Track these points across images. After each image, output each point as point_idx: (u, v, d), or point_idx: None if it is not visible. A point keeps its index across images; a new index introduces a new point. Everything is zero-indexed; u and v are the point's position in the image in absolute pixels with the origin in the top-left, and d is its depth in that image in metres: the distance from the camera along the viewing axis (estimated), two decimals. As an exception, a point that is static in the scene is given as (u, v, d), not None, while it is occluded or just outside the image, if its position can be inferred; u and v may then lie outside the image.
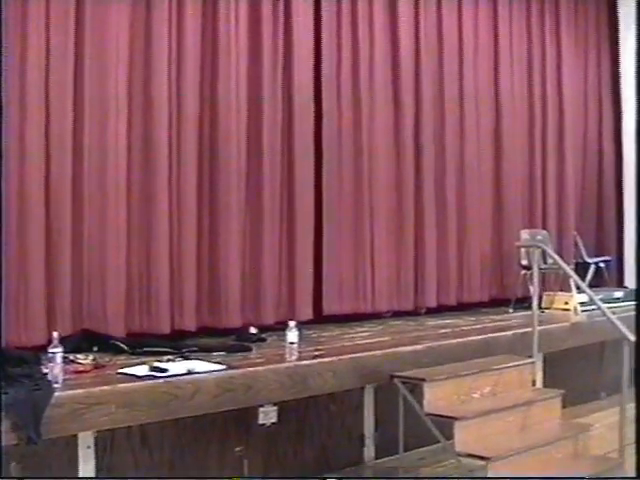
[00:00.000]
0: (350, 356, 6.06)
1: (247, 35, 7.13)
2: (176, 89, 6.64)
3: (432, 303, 8.39)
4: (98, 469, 4.98)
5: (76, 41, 6.09)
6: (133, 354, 5.79)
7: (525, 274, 8.54)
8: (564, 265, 7.19)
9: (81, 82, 6.12)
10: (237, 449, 5.63)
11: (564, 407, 6.56)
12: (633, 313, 8.71)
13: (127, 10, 6.39)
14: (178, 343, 6.10)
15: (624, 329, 6.29)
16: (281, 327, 6.53)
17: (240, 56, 7.05)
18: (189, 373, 5.15)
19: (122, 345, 5.92)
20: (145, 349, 5.84)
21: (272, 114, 7.24)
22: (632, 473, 6.18)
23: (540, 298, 7.81)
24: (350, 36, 7.92)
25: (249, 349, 6.15)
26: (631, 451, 6.30)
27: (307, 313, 7.33)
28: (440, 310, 8.48)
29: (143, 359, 5.48)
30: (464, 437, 5.54)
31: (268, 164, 7.18)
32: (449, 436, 5.57)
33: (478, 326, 7.73)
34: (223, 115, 6.92)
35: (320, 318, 7.44)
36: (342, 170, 7.78)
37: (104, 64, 6.24)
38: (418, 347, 6.61)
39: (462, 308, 8.68)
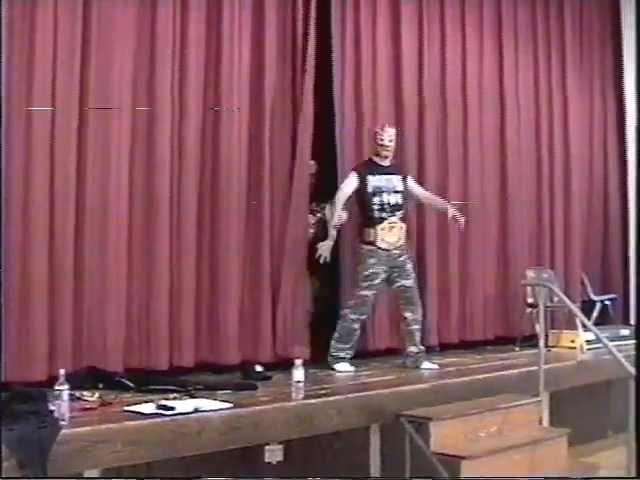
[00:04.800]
0: (356, 395, 6.05)
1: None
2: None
3: (434, 341, 8.33)
4: (104, 507, 4.96)
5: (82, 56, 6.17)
6: (139, 392, 5.78)
7: (531, 312, 8.52)
8: (570, 303, 7.19)
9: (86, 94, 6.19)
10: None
11: (570, 446, 6.53)
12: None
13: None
14: (184, 381, 6.08)
15: (630, 367, 6.28)
16: (283, 365, 6.56)
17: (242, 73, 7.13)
18: (196, 411, 5.14)
19: (128, 382, 5.92)
20: (151, 387, 5.82)
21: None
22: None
23: (546, 336, 7.80)
24: (353, 68, 7.98)
25: (255, 387, 6.14)
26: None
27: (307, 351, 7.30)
28: (444, 348, 8.43)
29: (149, 397, 5.48)
30: (470, 476, 5.52)
31: (268, 206, 7.20)
32: (456, 475, 5.55)
33: (484, 364, 7.71)
34: (225, 157, 6.96)
35: (321, 356, 7.39)
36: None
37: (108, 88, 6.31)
38: (424, 386, 6.61)
39: (466, 346, 8.65)
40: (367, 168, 7.30)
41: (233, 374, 6.65)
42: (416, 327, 7.29)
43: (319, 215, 7.70)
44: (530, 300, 8.51)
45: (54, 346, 5.88)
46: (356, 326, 7.19)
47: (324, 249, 7.29)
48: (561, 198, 10.02)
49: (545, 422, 7.09)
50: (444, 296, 8.52)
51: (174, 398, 5.43)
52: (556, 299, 7.48)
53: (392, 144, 7.32)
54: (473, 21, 9.14)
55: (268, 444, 5.64)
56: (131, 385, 5.89)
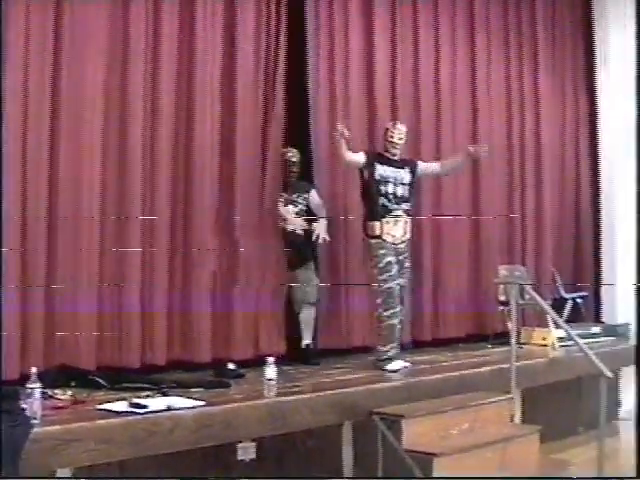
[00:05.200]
0: (328, 392, 6.06)
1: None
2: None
3: (406, 338, 8.32)
4: (76, 505, 4.95)
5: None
6: (111, 390, 5.77)
7: (503, 310, 8.56)
8: (542, 301, 7.22)
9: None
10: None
11: (542, 443, 6.57)
12: (610, 349, 8.83)
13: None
14: (157, 379, 6.08)
15: (601, 364, 6.33)
16: (256, 362, 6.57)
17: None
18: (168, 409, 5.13)
19: (100, 380, 5.90)
20: (124, 385, 5.81)
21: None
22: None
23: (518, 334, 7.83)
24: (326, 70, 8.02)
25: (228, 385, 6.13)
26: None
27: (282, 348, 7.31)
28: (417, 345, 8.46)
29: (122, 395, 5.47)
30: (443, 473, 5.55)
31: (239, 201, 7.21)
32: (428, 472, 5.57)
33: (456, 362, 7.74)
34: (198, 156, 6.96)
35: (295, 353, 7.40)
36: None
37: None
38: (396, 383, 6.63)
39: (438, 344, 8.68)
40: (376, 157, 7.29)
41: (206, 372, 6.63)
42: (399, 326, 7.24)
43: (300, 206, 7.57)
44: (502, 298, 8.52)
45: (26, 344, 5.85)
46: (394, 321, 7.10)
47: (320, 229, 7.34)
48: (533, 197, 10.09)
49: (517, 419, 7.13)
50: (417, 294, 8.53)
51: (147, 396, 5.43)
52: (528, 297, 7.50)
53: (402, 142, 7.35)
54: (446, 21, 9.19)
55: (241, 442, 5.64)
56: (104, 383, 5.88)
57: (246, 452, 5.72)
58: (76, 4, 6.24)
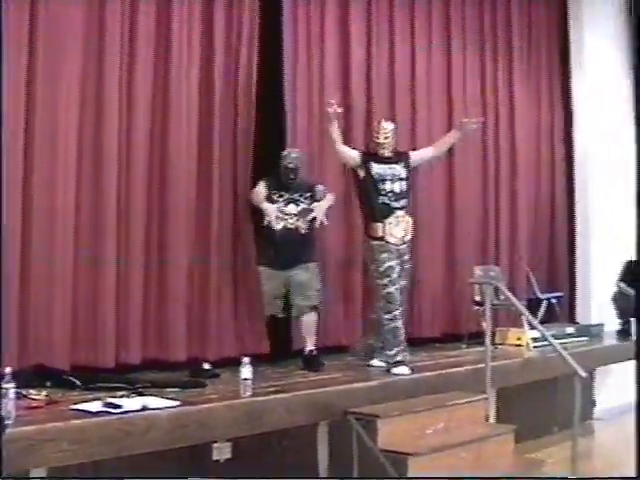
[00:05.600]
0: (304, 392, 6.06)
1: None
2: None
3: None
4: (50, 506, 4.93)
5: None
6: (86, 390, 5.75)
7: (478, 310, 8.58)
8: (517, 302, 7.25)
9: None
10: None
11: (517, 442, 6.60)
12: (584, 349, 8.88)
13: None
14: (131, 379, 6.06)
15: (575, 365, 6.36)
16: (233, 362, 6.54)
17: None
18: (143, 409, 5.12)
19: (75, 380, 5.88)
20: (98, 385, 5.80)
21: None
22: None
23: (493, 334, 7.85)
24: (306, 75, 8.03)
25: (203, 385, 6.13)
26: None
27: (263, 347, 7.31)
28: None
29: (97, 395, 5.46)
30: (418, 473, 5.56)
31: (217, 201, 7.23)
32: (403, 472, 5.58)
33: (432, 362, 7.76)
34: (174, 154, 6.97)
35: (273, 354, 7.40)
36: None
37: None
38: (372, 383, 6.63)
39: (414, 344, 8.67)
40: (371, 156, 7.24)
41: (181, 372, 6.62)
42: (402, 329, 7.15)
43: (303, 205, 7.30)
44: (477, 298, 8.56)
45: (-1, 344, 5.83)
46: (397, 324, 7.02)
47: (318, 211, 7.21)
48: (507, 198, 10.11)
49: (492, 419, 7.15)
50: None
51: (121, 396, 5.40)
52: (503, 297, 7.53)
53: (388, 140, 7.23)
54: (422, 23, 9.21)
55: (216, 442, 5.64)
56: (78, 383, 5.86)
57: (221, 452, 5.73)
58: (52, 2, 6.23)
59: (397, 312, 7.04)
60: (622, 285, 9.99)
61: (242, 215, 7.44)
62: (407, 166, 7.29)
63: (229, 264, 7.30)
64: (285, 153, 7.41)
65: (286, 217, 7.21)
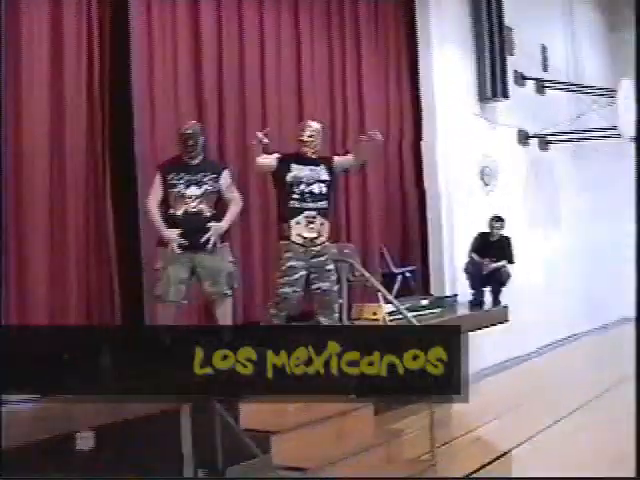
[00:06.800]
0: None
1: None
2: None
3: (239, 320, 8.31)
4: None
5: None
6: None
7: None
8: (372, 278, 7.41)
9: None
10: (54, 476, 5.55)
11: (377, 414, 6.75)
12: (438, 319, 9.13)
13: None
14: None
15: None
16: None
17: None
18: (2, 403, 5.05)
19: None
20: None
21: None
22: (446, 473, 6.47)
23: (349, 310, 7.99)
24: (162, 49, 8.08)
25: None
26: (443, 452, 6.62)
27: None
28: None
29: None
30: (281, 450, 5.65)
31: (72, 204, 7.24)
32: (266, 450, 5.66)
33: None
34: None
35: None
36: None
37: None
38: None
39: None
40: (292, 157, 7.16)
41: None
42: None
43: (206, 187, 6.78)
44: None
45: None
46: (276, 322, 6.97)
47: (213, 231, 6.74)
48: (357, 174, 10.19)
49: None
50: (248, 272, 8.61)
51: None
52: (358, 274, 7.67)
53: (312, 139, 7.16)
54: (270, 9, 9.29)
55: (79, 432, 5.61)
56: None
57: (85, 442, 5.69)
58: None
59: (283, 314, 7.02)
60: (474, 255, 10.28)
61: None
62: (330, 169, 7.24)
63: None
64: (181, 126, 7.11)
65: (187, 200, 6.75)
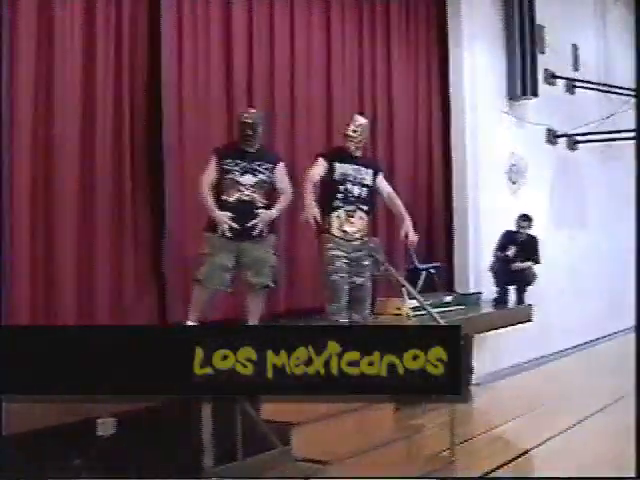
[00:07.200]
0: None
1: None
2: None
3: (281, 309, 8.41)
4: None
5: None
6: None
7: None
8: (396, 274, 7.39)
9: None
10: (75, 462, 5.56)
11: (397, 410, 6.75)
12: (462, 317, 9.10)
13: None
14: None
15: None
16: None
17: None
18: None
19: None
20: None
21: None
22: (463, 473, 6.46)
23: (373, 304, 7.98)
24: (191, 46, 8.06)
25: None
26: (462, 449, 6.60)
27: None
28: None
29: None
30: (301, 442, 5.65)
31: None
32: (287, 442, 5.67)
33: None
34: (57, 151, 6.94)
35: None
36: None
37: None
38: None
39: (292, 315, 8.71)
40: (335, 154, 7.17)
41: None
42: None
43: (261, 176, 6.75)
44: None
45: None
46: (339, 319, 6.92)
47: (262, 218, 6.69)
48: (385, 169, 10.12)
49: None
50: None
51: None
52: (383, 268, 7.65)
53: (357, 134, 7.11)
54: (302, 6, 9.29)
55: (99, 417, 5.62)
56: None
57: (106, 427, 5.70)
58: None
59: (343, 304, 6.97)
60: (499, 254, 10.25)
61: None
62: (375, 176, 7.26)
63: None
64: (242, 112, 7.08)
65: (241, 188, 6.69)
